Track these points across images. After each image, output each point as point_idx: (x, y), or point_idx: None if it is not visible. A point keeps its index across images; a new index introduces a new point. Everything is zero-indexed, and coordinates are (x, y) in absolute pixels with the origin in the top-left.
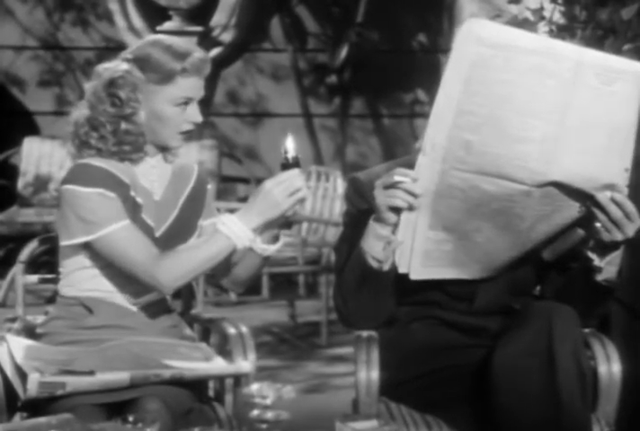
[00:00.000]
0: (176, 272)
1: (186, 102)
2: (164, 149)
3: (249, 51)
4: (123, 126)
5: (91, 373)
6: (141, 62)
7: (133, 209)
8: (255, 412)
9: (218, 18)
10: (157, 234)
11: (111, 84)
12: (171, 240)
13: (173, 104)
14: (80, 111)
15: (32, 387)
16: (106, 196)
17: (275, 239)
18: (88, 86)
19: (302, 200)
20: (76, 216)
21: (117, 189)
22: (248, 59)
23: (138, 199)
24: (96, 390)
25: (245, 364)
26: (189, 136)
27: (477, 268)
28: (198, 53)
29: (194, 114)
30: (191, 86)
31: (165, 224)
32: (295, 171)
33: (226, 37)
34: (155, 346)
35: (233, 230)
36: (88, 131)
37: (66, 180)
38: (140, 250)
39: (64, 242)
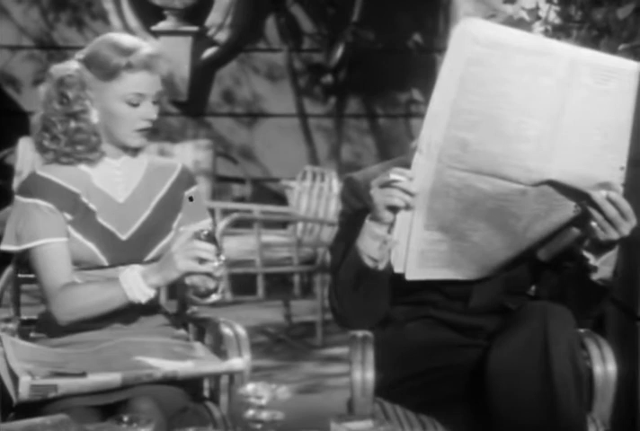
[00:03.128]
0: (69, 307)
1: (139, 99)
2: (127, 149)
3: (244, 51)
4: (73, 124)
5: (82, 374)
6: (89, 60)
7: (85, 215)
8: (250, 412)
9: (213, 18)
10: (124, 237)
11: (61, 84)
12: (141, 242)
13: (124, 101)
14: (37, 114)
15: (24, 390)
16: (40, 207)
17: (214, 291)
18: (42, 88)
19: (213, 276)
20: (12, 224)
21: (58, 201)
22: (243, 59)
23: (92, 205)
24: (88, 391)
25: (238, 361)
26: (148, 133)
27: (473, 269)
28: (146, 49)
29: (148, 111)
30: (140, 82)
31: (133, 226)
32: (203, 244)
33: (222, 37)
34: (150, 345)
35: (128, 282)
36: (40, 132)
37: (15, 190)
38: (49, 274)
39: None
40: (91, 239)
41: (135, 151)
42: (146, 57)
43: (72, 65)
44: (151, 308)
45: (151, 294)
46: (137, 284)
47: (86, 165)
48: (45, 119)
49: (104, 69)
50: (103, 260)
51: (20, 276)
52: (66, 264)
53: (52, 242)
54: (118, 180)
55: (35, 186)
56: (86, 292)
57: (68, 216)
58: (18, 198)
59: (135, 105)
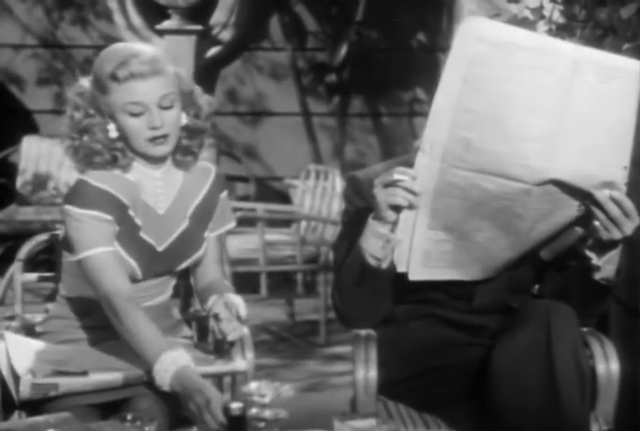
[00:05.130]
0: (124, 317)
1: (139, 109)
2: (157, 159)
3: (248, 50)
4: (86, 138)
5: (84, 373)
6: (92, 76)
7: (131, 230)
8: (253, 410)
9: (218, 17)
10: (160, 249)
11: (73, 105)
12: (175, 254)
13: (125, 112)
14: None
15: (25, 389)
16: (100, 218)
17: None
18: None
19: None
20: (71, 236)
21: (114, 211)
22: (247, 58)
23: (137, 220)
24: (89, 390)
25: (241, 362)
26: (165, 141)
27: (477, 269)
28: (138, 57)
29: (151, 119)
30: (132, 91)
31: (170, 238)
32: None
33: (226, 35)
34: None
35: (162, 367)
36: (67, 148)
37: (66, 199)
38: (107, 279)
39: (68, 259)
40: (132, 254)
41: (173, 160)
42: (134, 66)
43: (84, 84)
44: (161, 312)
45: (164, 387)
46: (163, 374)
47: (131, 175)
48: (68, 134)
49: (97, 84)
50: (139, 275)
51: (24, 274)
52: (122, 271)
53: (109, 251)
54: (160, 191)
55: (92, 196)
56: (138, 327)
57: (116, 227)
58: (73, 209)
59: (137, 115)
